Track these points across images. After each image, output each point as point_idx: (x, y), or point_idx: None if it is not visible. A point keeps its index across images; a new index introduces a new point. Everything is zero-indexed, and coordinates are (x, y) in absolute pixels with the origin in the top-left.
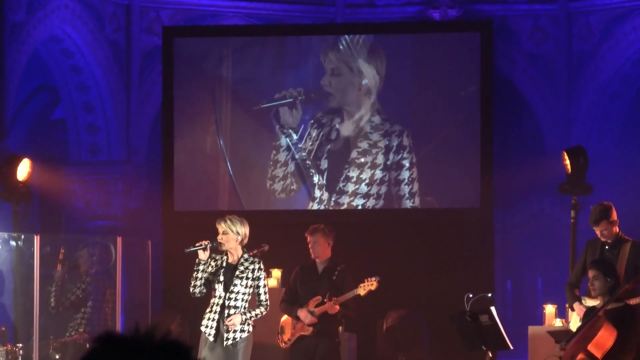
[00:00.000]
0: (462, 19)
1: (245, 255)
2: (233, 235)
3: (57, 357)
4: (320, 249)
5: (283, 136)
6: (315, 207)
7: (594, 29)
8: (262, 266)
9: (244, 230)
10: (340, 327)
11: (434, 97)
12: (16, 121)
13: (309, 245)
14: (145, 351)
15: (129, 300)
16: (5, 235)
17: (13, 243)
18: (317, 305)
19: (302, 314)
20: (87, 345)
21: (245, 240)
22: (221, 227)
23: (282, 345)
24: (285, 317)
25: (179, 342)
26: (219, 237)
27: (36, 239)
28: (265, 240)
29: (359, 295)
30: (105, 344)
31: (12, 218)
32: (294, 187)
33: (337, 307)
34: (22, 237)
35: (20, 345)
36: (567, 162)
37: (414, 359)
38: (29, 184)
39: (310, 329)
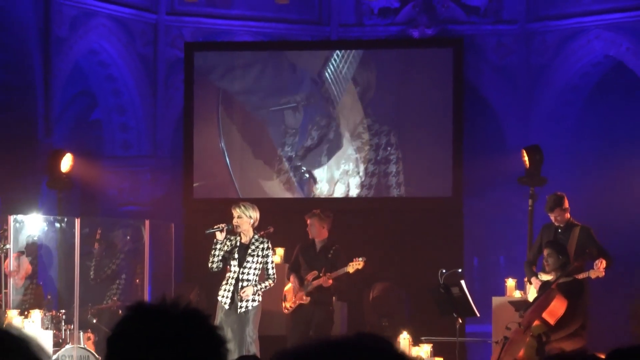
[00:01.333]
0: (438, 37)
1: (256, 236)
2: (246, 219)
3: (94, 321)
4: (315, 230)
5: (288, 135)
6: (316, 195)
7: (549, 46)
8: (270, 245)
9: (255, 214)
10: (334, 297)
11: (414, 102)
12: (60, 121)
13: (309, 229)
14: (171, 318)
15: (155, 274)
16: (51, 218)
17: (57, 225)
18: (314, 279)
19: (292, 278)
20: (120, 312)
21: (256, 223)
22: (236, 212)
23: (285, 311)
24: (288, 287)
25: (200, 311)
26: (234, 221)
27: (77, 222)
28: (271, 224)
29: (348, 272)
30: (137, 311)
31: (56, 203)
32: (297, 178)
33: (331, 281)
34: (65, 219)
35: (63, 311)
36: (526, 158)
37: (396, 324)
38: (71, 174)
39: (308, 298)
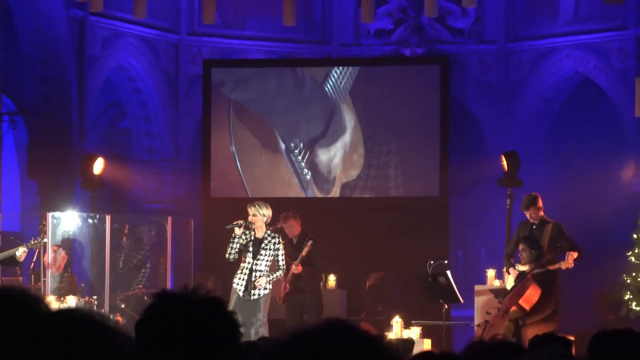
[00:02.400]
0: (427, 55)
1: (269, 232)
2: (260, 216)
3: (122, 306)
4: (294, 229)
5: (294, 141)
6: (329, 195)
7: (525, 63)
8: (281, 240)
9: (268, 212)
10: (321, 283)
11: (406, 113)
12: (93, 129)
13: (286, 230)
14: (192, 304)
15: (177, 264)
16: (85, 215)
17: (90, 221)
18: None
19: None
20: (145, 298)
21: (269, 221)
22: (251, 210)
23: (278, 301)
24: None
25: (218, 298)
26: (250, 218)
27: (107, 218)
28: (278, 220)
29: (303, 255)
30: (162, 298)
31: (89, 202)
32: (307, 181)
33: (300, 267)
34: (97, 216)
35: (95, 297)
36: (505, 162)
37: (390, 309)
38: (102, 176)
39: (288, 286)
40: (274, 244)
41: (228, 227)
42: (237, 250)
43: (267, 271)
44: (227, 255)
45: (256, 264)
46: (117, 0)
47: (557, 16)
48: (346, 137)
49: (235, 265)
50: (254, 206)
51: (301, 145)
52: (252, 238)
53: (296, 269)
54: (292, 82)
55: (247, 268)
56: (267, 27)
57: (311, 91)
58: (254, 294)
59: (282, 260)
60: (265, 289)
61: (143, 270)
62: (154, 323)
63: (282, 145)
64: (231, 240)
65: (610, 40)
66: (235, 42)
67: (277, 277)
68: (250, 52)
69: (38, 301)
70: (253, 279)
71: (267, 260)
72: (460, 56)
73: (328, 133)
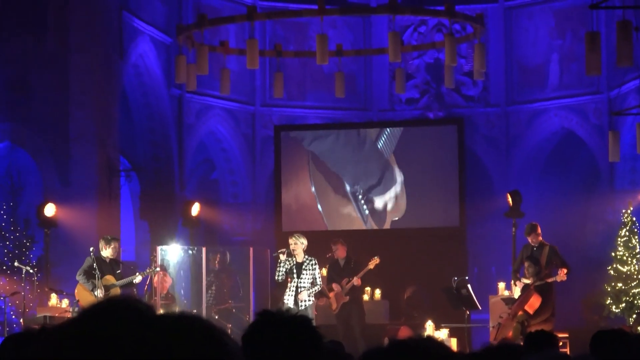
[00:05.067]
0: (446, 117)
1: (307, 256)
2: (300, 244)
3: (216, 317)
4: (339, 252)
5: (355, 185)
6: (382, 227)
7: (522, 121)
8: (316, 262)
9: (305, 242)
10: (364, 296)
11: (432, 162)
12: (190, 180)
13: (335, 253)
14: (285, 320)
15: (257, 283)
16: (185, 247)
17: (190, 252)
18: (347, 283)
19: (334, 286)
20: (234, 310)
21: (306, 248)
22: (292, 240)
23: (334, 311)
24: (332, 294)
25: (305, 316)
26: (291, 247)
27: (203, 250)
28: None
29: (370, 269)
30: (263, 316)
31: (189, 237)
32: (361, 215)
33: (360, 281)
34: (195, 248)
35: (195, 310)
36: (510, 199)
37: (423, 315)
38: (198, 217)
39: (347, 297)
40: (312, 266)
41: (275, 254)
42: (283, 273)
43: (309, 287)
44: (276, 277)
45: (300, 282)
46: (207, 81)
47: (546, 85)
48: (393, 182)
49: (285, 285)
50: (294, 237)
51: (361, 190)
52: (294, 263)
53: (357, 281)
54: (355, 140)
55: (293, 286)
56: (322, 98)
57: (369, 148)
58: (301, 305)
59: (319, 278)
60: (309, 300)
61: (209, 292)
62: (257, 336)
63: (348, 188)
64: (278, 265)
65: (588, 102)
66: (298, 111)
67: (315, 290)
68: (310, 118)
69: (149, 308)
70: (298, 294)
71: (308, 279)
72: (471, 117)
73: (382, 181)
